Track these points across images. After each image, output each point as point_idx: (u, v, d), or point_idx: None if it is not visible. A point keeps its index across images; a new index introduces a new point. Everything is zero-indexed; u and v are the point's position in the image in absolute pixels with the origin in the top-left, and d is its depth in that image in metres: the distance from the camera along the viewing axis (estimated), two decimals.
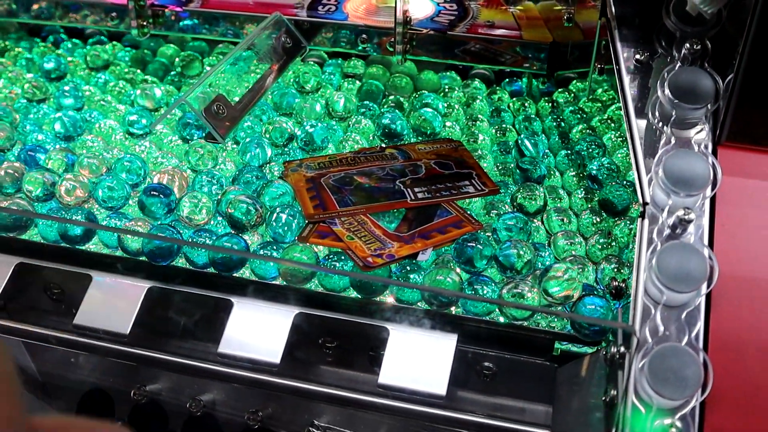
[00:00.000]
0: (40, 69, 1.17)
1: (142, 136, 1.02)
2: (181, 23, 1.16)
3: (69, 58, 1.20)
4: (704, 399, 0.62)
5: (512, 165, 0.96)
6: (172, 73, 1.16)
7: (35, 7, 1.22)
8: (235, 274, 0.83)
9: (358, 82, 1.12)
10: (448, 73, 1.14)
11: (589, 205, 0.90)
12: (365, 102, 1.07)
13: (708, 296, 0.67)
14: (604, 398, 0.67)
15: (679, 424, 0.61)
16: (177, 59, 1.17)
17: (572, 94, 1.08)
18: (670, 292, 0.65)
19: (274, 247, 0.83)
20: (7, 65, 1.20)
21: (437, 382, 0.74)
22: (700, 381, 0.62)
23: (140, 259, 0.85)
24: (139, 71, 1.17)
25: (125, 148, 1.01)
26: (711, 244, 0.69)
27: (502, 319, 0.80)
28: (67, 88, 1.09)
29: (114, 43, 1.24)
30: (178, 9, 1.14)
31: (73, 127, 1.02)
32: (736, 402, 0.64)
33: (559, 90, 1.09)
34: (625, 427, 0.62)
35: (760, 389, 0.65)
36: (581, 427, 0.70)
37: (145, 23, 1.13)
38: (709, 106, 0.74)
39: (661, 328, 0.65)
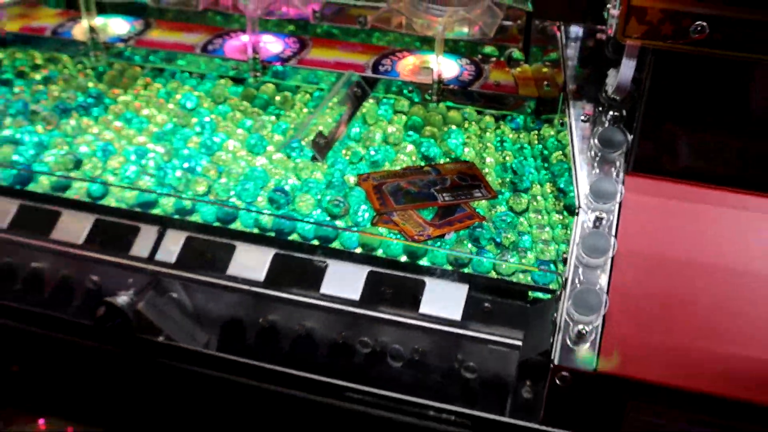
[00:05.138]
0: (179, 103, 1.62)
1: (259, 154, 1.49)
2: (281, 68, 1.58)
3: (195, 93, 1.67)
4: (603, 318, 0.97)
5: (508, 179, 1.37)
6: (272, 107, 1.62)
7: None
8: (331, 246, 1.29)
9: (404, 117, 1.57)
10: (467, 112, 1.55)
11: (556, 208, 1.35)
12: (409, 133, 1.53)
13: (611, 261, 1.00)
14: (552, 320, 1.12)
15: (588, 329, 1.05)
16: (277, 97, 1.64)
17: (554, 129, 1.49)
18: (589, 259, 1.00)
19: (356, 229, 1.31)
20: (151, 97, 1.66)
21: (455, 312, 1.11)
22: (603, 308, 0.98)
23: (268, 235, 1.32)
24: (248, 104, 1.63)
25: (248, 162, 1.48)
26: (615, 233, 1.02)
27: (496, 276, 1.25)
28: (207, 119, 1.55)
29: (226, 80, 1.66)
30: (279, 63, 1.61)
31: (207, 148, 1.48)
32: (626, 322, 0.97)
33: (545, 126, 1.41)
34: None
35: (640, 317, 0.97)
36: (539, 333, 1.05)
37: (258, 73, 1.59)
38: (622, 150, 1.11)
39: (583, 279, 1.01)
